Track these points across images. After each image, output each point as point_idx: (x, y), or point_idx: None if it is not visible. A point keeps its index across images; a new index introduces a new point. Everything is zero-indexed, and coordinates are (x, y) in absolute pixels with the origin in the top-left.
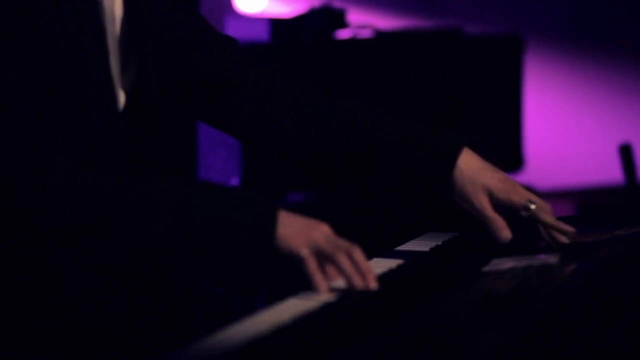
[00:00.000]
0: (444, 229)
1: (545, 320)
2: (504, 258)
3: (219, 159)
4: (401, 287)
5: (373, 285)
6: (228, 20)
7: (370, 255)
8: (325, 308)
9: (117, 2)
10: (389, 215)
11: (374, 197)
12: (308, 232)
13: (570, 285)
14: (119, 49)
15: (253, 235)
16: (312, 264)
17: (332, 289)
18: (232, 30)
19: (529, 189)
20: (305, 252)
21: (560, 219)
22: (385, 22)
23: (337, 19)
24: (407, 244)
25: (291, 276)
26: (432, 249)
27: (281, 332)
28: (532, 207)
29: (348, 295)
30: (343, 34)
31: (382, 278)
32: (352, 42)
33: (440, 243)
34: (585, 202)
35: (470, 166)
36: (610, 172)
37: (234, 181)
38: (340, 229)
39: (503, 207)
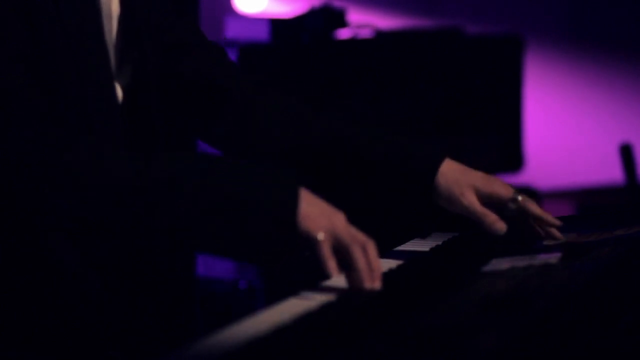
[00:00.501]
0: (444, 229)
1: (545, 320)
2: (504, 258)
3: None
4: (401, 287)
5: (377, 285)
6: (228, 20)
7: None
8: (326, 308)
9: (114, 0)
10: (389, 215)
11: (373, 197)
12: (329, 216)
13: (570, 285)
14: (115, 48)
15: (275, 212)
16: (326, 249)
17: (332, 289)
18: (232, 30)
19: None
20: (321, 235)
21: (560, 219)
22: (386, 21)
23: (337, 18)
24: (407, 244)
25: (291, 275)
26: (432, 249)
27: (281, 332)
28: (519, 197)
29: (348, 295)
30: (343, 33)
31: (382, 278)
32: (352, 42)
33: (440, 243)
34: (585, 202)
35: (452, 169)
36: (611, 172)
37: None
38: None
39: (491, 203)
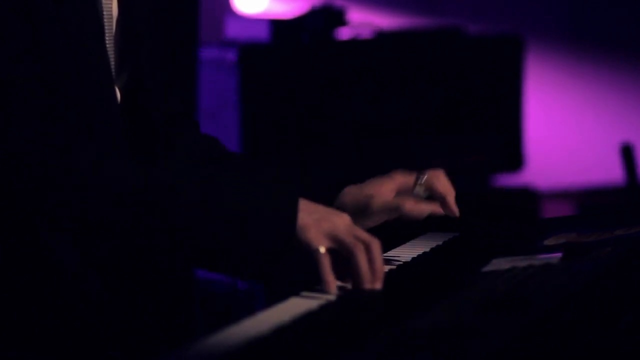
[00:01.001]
0: (444, 229)
1: (545, 320)
2: (504, 258)
3: None
4: (401, 287)
5: (378, 286)
6: (228, 20)
7: None
8: (326, 308)
9: (115, 2)
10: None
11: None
12: (329, 221)
13: (570, 285)
14: (115, 48)
15: (274, 227)
16: (325, 263)
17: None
18: (232, 30)
19: None
20: (321, 248)
21: (560, 219)
22: (386, 21)
23: (338, 18)
24: (407, 243)
25: (292, 275)
26: (432, 249)
27: (281, 332)
28: (424, 176)
29: (348, 295)
30: (343, 33)
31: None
32: (353, 42)
33: (440, 243)
34: (585, 202)
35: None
36: (611, 172)
37: None
38: None
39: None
